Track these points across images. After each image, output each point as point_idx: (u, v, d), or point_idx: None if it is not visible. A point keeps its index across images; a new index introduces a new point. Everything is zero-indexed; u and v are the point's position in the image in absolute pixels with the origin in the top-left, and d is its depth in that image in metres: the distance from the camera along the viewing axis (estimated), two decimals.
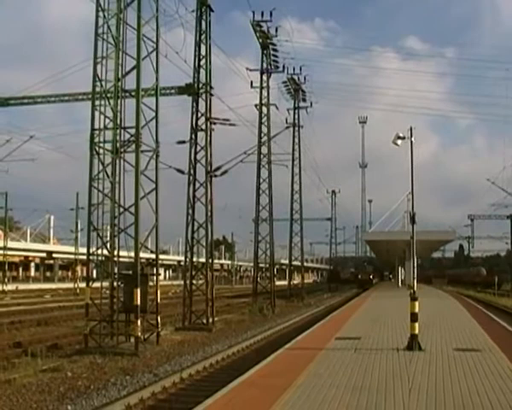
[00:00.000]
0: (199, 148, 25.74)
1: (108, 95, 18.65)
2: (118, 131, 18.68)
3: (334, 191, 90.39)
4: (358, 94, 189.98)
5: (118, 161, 18.62)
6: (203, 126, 25.72)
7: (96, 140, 18.64)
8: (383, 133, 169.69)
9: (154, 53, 19.38)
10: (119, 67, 18.77)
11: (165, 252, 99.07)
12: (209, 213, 25.40)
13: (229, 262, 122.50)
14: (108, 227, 18.76)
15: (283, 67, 41.19)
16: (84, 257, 20.74)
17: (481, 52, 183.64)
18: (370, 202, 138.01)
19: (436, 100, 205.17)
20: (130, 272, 18.11)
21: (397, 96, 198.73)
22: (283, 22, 48.80)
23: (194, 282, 25.99)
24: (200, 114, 25.85)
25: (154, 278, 19.57)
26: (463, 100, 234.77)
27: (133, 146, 18.40)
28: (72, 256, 64.53)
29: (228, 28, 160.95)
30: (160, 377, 13.99)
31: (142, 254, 18.94)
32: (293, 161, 50.14)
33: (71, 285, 60.22)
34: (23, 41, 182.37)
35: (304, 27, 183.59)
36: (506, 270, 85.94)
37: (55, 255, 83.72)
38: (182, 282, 29.55)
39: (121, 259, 18.75)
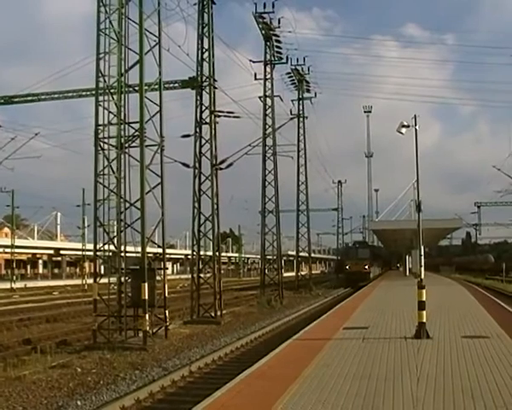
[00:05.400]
0: (203, 141, 25.75)
1: (112, 90, 18.65)
2: (122, 126, 18.70)
3: (340, 181, 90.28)
4: (360, 83, 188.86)
5: (123, 157, 18.64)
6: (207, 119, 25.71)
7: (101, 136, 18.68)
8: (386, 122, 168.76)
9: (157, 47, 19.38)
10: (122, 62, 18.75)
11: (172, 246, 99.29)
12: (215, 206, 25.40)
13: (236, 255, 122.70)
14: (115, 223, 18.78)
15: (287, 58, 41.13)
16: (92, 253, 20.80)
17: (481, 38, 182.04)
18: (377, 191, 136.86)
19: (438, 87, 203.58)
20: (138, 267, 18.17)
21: (398, 85, 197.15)
22: (285, 13, 48.72)
23: (201, 275, 26.03)
24: (204, 107, 25.85)
25: (162, 272, 19.61)
26: (465, 87, 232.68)
27: (138, 141, 18.43)
28: (79, 253, 64.69)
29: (225, 20, 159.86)
30: (169, 370, 14.05)
31: (149, 249, 18.98)
32: (298, 152, 50.05)
33: (79, 282, 60.46)
34: (24, 38, 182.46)
35: (302, 17, 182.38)
36: None
37: (62, 252, 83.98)
38: (189, 275, 29.55)
39: (128, 254, 18.80)
